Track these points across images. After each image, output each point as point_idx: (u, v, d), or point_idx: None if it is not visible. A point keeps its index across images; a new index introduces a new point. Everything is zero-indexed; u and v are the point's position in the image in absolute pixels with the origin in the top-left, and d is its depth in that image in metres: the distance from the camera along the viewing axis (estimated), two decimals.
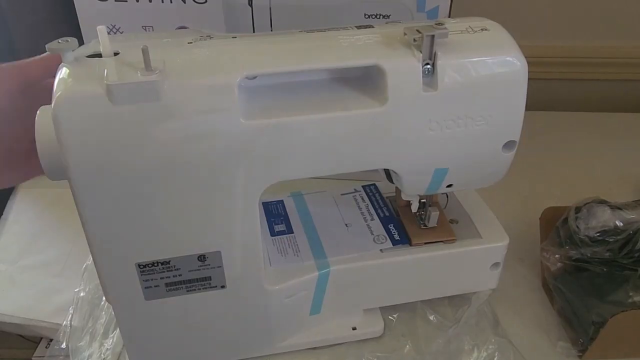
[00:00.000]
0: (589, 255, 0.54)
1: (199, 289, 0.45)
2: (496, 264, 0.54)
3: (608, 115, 0.89)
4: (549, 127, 0.86)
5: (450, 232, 0.53)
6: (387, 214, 0.56)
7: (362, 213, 0.56)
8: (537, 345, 0.54)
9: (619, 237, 0.53)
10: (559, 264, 0.56)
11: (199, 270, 0.44)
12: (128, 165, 0.38)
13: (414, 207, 0.51)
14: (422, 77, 0.40)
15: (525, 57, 0.96)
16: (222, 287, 0.46)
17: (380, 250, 0.52)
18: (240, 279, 0.46)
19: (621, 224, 0.53)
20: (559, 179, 0.75)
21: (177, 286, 0.45)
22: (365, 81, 0.42)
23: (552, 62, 0.89)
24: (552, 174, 0.76)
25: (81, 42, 0.61)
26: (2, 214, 0.80)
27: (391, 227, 0.54)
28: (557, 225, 0.57)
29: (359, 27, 0.44)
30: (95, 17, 0.62)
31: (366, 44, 0.41)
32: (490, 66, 0.42)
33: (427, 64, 0.40)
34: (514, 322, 0.56)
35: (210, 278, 0.45)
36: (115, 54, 0.38)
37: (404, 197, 0.50)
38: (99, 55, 0.38)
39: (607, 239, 0.53)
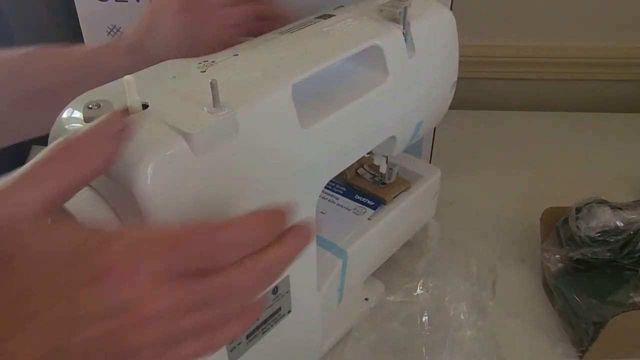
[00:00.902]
0: (589, 255, 0.54)
1: (272, 325, 0.42)
2: (435, 193, 0.61)
3: (608, 116, 0.89)
4: (549, 127, 0.86)
5: (406, 181, 0.57)
6: (344, 189, 0.57)
7: (323, 198, 0.57)
8: (538, 345, 0.54)
9: (619, 238, 0.53)
10: (559, 265, 0.56)
11: (272, 305, 0.41)
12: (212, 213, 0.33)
13: (383, 168, 0.55)
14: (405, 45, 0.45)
15: (524, 58, 0.97)
16: (289, 312, 0.44)
17: (368, 218, 0.53)
18: (301, 294, 0.44)
19: (622, 224, 0.53)
20: (559, 179, 0.74)
21: (255, 333, 0.41)
22: (360, 61, 0.44)
23: (551, 62, 0.89)
24: (552, 174, 0.76)
25: (81, 42, 0.61)
26: None
27: (358, 197, 0.56)
28: (557, 225, 0.57)
29: (325, 17, 0.45)
30: (95, 17, 0.62)
31: (356, 28, 0.44)
32: (434, 23, 0.48)
33: (403, 33, 0.44)
34: (514, 322, 0.56)
35: (280, 308, 0.43)
36: (144, 106, 0.33)
37: (376, 162, 0.54)
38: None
39: (607, 239, 0.53)
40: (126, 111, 0.31)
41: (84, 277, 0.23)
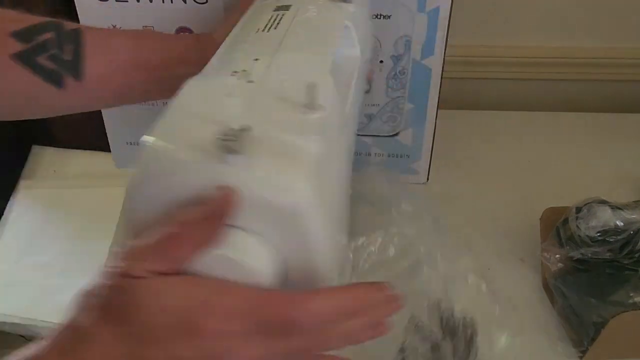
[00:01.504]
0: (589, 255, 0.54)
1: None
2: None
3: (609, 116, 0.88)
4: (549, 127, 0.86)
5: None
6: None
7: None
8: (538, 345, 0.54)
9: (619, 237, 0.53)
10: (559, 265, 0.56)
11: None
12: None
13: None
14: None
15: (524, 58, 0.96)
16: None
17: None
18: None
19: (622, 224, 0.53)
20: (560, 179, 0.74)
21: None
22: None
23: (552, 62, 0.89)
24: (553, 174, 0.76)
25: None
26: (2, 214, 0.80)
27: None
28: (557, 225, 0.57)
29: (286, 9, 0.46)
30: (95, 17, 0.62)
31: (326, 14, 0.46)
32: None
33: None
34: (514, 322, 0.56)
35: None
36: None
37: None
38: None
39: (607, 239, 0.53)
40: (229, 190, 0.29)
41: (186, 331, 0.28)
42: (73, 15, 0.62)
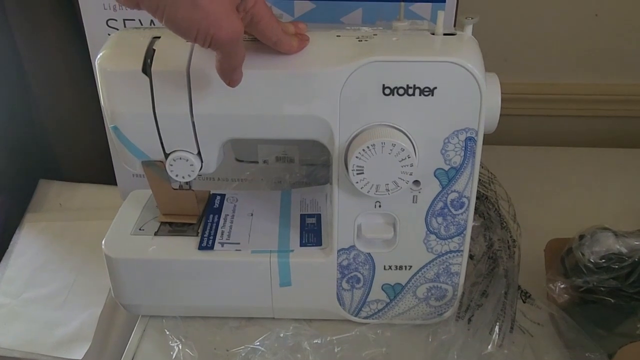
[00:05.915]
0: (594, 283, 0.53)
1: None
2: None
3: (614, 151, 0.89)
4: (553, 161, 0.86)
5: None
6: None
7: None
8: None
9: (624, 264, 0.52)
10: (565, 296, 0.55)
11: None
12: None
13: None
14: None
15: (529, 95, 0.97)
16: None
17: None
18: None
19: (625, 251, 0.53)
20: (564, 212, 0.75)
21: None
22: None
23: (557, 99, 0.90)
24: (557, 208, 0.76)
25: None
26: (7, 247, 0.80)
27: None
28: (562, 255, 0.57)
29: None
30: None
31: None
32: None
33: None
34: (522, 354, 0.55)
35: None
36: None
37: None
38: None
39: (612, 266, 0.53)
40: None
41: None
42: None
